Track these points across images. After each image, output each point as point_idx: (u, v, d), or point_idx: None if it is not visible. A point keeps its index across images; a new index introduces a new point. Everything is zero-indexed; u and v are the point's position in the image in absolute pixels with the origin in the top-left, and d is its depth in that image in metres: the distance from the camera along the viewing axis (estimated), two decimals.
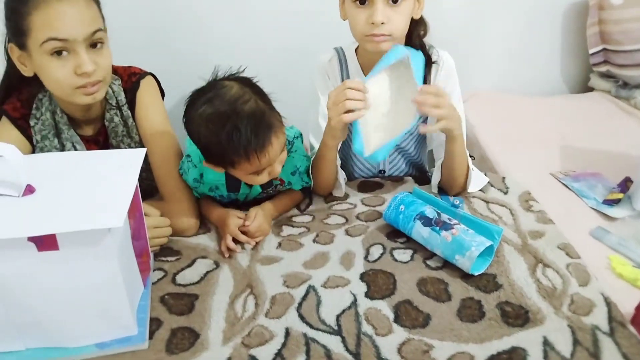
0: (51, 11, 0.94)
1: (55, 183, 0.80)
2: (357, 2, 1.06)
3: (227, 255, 1.04)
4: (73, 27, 0.96)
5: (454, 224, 0.99)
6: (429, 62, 1.18)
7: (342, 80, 1.22)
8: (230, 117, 0.95)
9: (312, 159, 1.18)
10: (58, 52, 0.96)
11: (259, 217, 1.09)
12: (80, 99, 1.02)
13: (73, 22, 0.96)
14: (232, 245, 1.04)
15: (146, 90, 1.15)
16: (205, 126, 0.97)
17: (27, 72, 1.02)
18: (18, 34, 0.97)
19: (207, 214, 1.15)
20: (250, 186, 1.16)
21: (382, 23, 1.05)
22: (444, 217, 1.02)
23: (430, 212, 1.03)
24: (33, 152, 1.12)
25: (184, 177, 1.13)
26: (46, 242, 0.72)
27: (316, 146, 1.22)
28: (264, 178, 1.05)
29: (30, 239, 0.72)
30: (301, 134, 1.22)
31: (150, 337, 0.85)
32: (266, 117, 0.98)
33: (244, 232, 1.07)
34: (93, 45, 1.00)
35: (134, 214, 0.90)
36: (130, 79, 1.15)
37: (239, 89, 0.99)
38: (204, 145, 1.00)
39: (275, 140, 0.99)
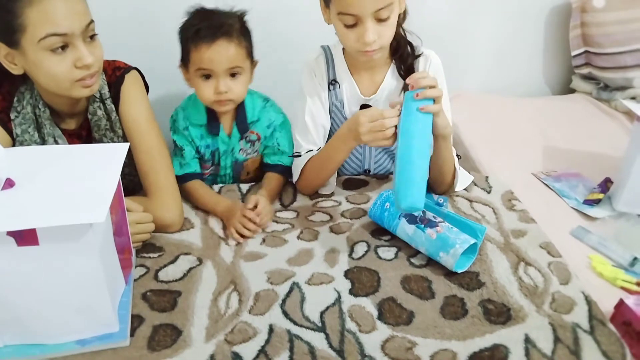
0: (48, 6, 0.92)
1: (36, 177, 0.79)
2: (346, 25, 1.06)
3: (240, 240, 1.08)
4: (71, 20, 0.95)
5: (439, 222, 1.00)
6: (413, 55, 1.19)
7: (329, 78, 1.22)
8: (202, 15, 1.19)
9: (307, 158, 1.19)
10: (60, 47, 0.95)
11: (262, 201, 1.13)
12: (78, 92, 1.02)
13: (70, 15, 0.94)
14: (236, 236, 1.08)
15: (131, 85, 1.14)
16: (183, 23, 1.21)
17: (16, 70, 1.00)
18: (9, 32, 0.94)
19: (212, 208, 1.17)
20: (229, 134, 1.31)
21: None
22: (429, 215, 1.03)
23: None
24: (14, 146, 1.10)
25: (174, 132, 1.29)
26: (26, 237, 0.71)
27: (303, 144, 1.22)
28: (215, 86, 1.19)
29: (10, 233, 0.70)
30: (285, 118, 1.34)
31: (132, 334, 0.84)
32: (228, 26, 1.17)
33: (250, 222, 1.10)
34: (89, 37, 0.99)
35: (116, 210, 0.89)
36: (114, 73, 1.14)
37: (230, 16, 1.21)
38: (180, 36, 1.22)
39: (227, 44, 1.16)
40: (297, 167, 1.22)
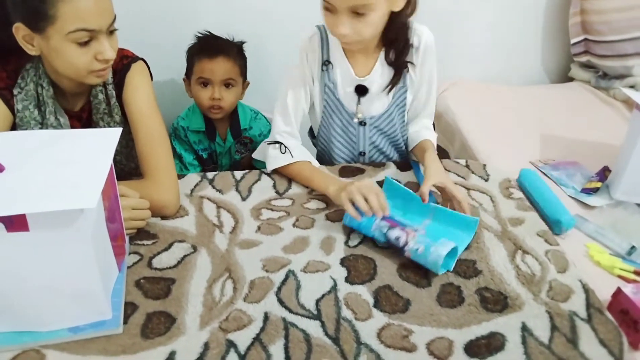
0: (81, 3, 0.96)
1: (26, 162, 0.77)
2: (326, 9, 1.06)
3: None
4: (100, 17, 0.99)
5: (409, 240, 0.95)
6: (407, 48, 1.18)
7: (322, 58, 1.21)
8: (208, 38, 1.53)
9: (285, 162, 1.20)
10: (84, 42, 0.99)
11: None
12: (92, 80, 1.07)
13: (100, 13, 0.99)
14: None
15: (136, 73, 1.17)
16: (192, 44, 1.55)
17: (32, 51, 1.02)
18: (37, 19, 0.96)
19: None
20: (223, 139, 1.61)
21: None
22: (399, 234, 0.97)
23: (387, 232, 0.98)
24: (14, 122, 1.11)
25: (174, 139, 1.58)
26: (16, 223, 0.70)
27: (280, 125, 1.23)
28: (211, 93, 1.49)
29: None
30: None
31: (125, 322, 0.83)
32: (228, 48, 1.49)
33: None
34: (110, 32, 1.04)
35: (109, 196, 0.87)
36: (121, 60, 1.16)
37: (231, 42, 1.53)
38: (187, 53, 1.54)
39: (225, 60, 1.48)
40: (274, 159, 1.22)
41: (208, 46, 1.50)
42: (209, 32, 1.55)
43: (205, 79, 1.49)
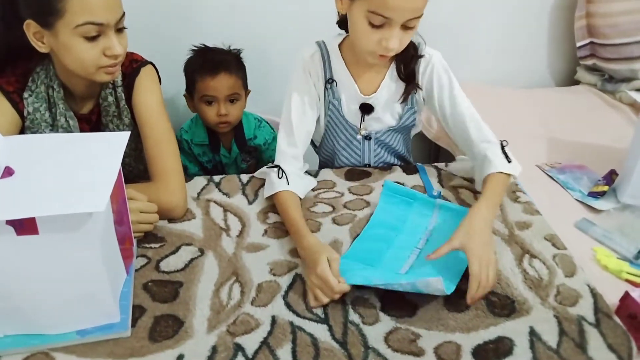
0: None
1: (35, 165, 0.77)
2: (371, 24, 1.01)
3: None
4: (108, 12, 1.00)
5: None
6: (416, 56, 1.16)
7: (325, 77, 1.18)
8: (205, 52, 1.49)
9: (279, 189, 1.09)
10: (93, 36, 1.00)
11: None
12: (101, 77, 1.07)
13: (108, 7, 1.00)
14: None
15: (145, 77, 1.18)
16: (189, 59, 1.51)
17: (43, 48, 1.04)
18: (46, 14, 0.98)
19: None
20: (228, 150, 1.59)
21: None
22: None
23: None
24: (23, 126, 1.12)
25: (182, 141, 1.55)
26: (25, 226, 0.70)
27: (284, 146, 1.15)
28: (216, 110, 1.47)
29: (9, 222, 0.69)
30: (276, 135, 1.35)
31: (133, 325, 0.84)
32: (227, 62, 1.46)
33: None
34: (119, 28, 1.05)
35: (117, 199, 0.88)
36: (131, 64, 1.17)
37: (228, 53, 1.50)
38: (185, 69, 1.50)
39: (227, 76, 1.44)
40: (270, 185, 1.12)
41: (208, 63, 1.45)
42: (204, 45, 1.52)
43: (210, 96, 1.46)
